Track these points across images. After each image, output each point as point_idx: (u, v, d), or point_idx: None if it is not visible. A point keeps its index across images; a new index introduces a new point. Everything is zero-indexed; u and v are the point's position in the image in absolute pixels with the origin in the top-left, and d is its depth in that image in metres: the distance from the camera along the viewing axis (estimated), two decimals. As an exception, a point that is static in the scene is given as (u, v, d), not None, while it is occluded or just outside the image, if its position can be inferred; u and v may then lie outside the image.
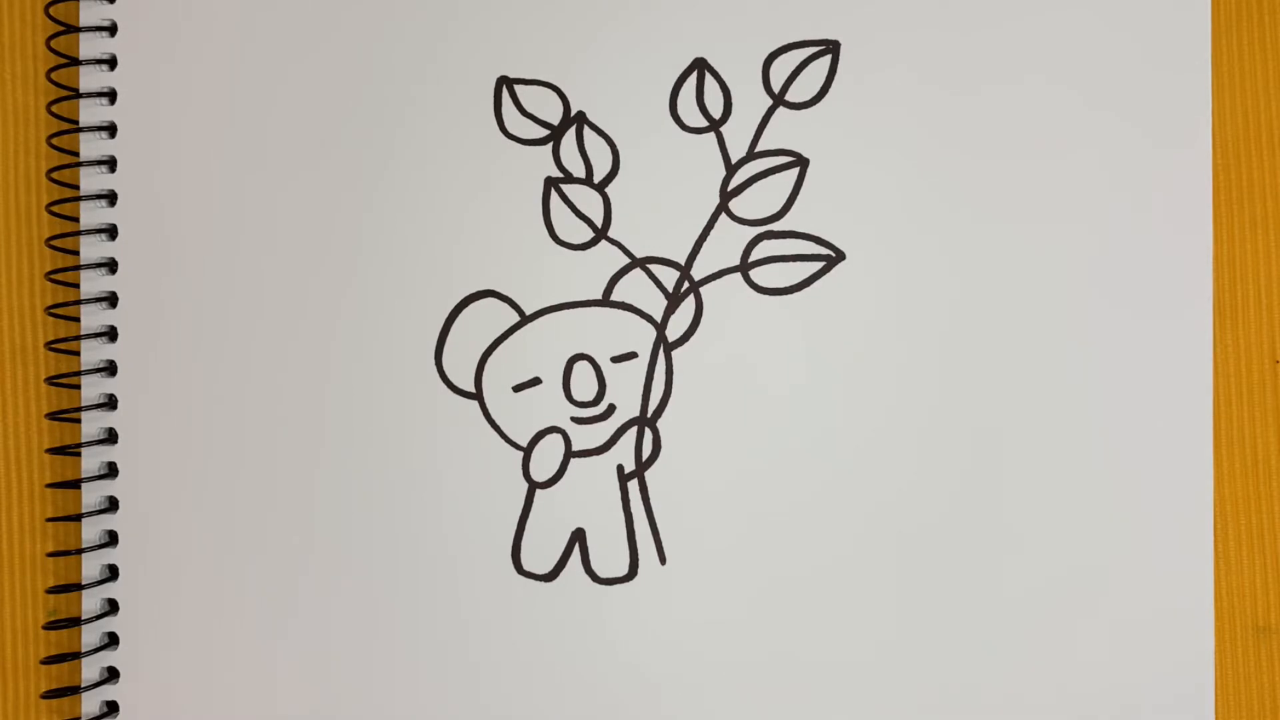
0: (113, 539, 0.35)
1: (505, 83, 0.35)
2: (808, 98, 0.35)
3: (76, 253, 0.35)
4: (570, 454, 0.35)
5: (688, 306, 0.35)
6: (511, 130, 0.35)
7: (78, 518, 0.35)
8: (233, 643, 0.35)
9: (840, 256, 0.35)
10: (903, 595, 0.34)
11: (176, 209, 0.35)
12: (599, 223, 0.35)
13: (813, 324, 0.35)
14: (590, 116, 0.35)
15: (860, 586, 0.34)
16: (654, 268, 0.35)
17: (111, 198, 0.35)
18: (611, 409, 0.35)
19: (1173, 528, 0.34)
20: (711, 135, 0.35)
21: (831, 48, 0.35)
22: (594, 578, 0.35)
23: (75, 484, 0.35)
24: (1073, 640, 0.34)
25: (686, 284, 0.35)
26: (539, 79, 0.35)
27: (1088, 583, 0.34)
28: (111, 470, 0.35)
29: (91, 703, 0.35)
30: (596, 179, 0.35)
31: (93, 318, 0.35)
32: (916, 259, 0.35)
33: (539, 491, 0.35)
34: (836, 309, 0.35)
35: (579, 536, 0.35)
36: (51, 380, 0.36)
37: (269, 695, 0.35)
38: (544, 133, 0.35)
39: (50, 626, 0.35)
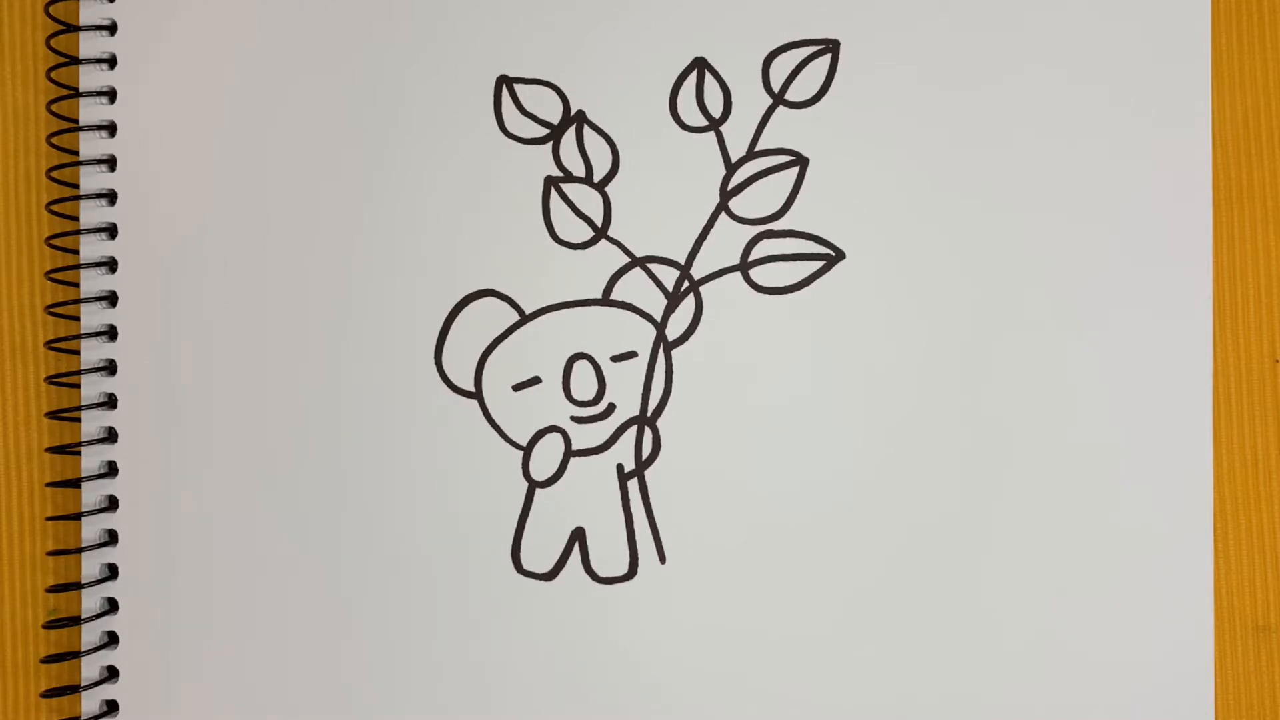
0: (112, 538, 0.35)
1: (505, 82, 0.35)
2: (807, 97, 0.35)
3: (76, 251, 0.35)
4: (570, 453, 0.35)
5: (687, 306, 0.35)
6: (511, 129, 0.35)
7: (77, 516, 0.35)
8: (232, 642, 0.35)
9: (840, 255, 0.35)
10: (902, 593, 0.34)
11: (176, 208, 0.35)
12: (599, 222, 0.35)
13: (812, 323, 0.35)
14: (590, 116, 0.35)
15: (860, 585, 0.34)
16: (654, 267, 0.35)
17: (111, 197, 0.35)
18: (611, 408, 0.35)
19: (1173, 528, 0.34)
20: (711, 134, 0.35)
21: (831, 47, 0.35)
22: (594, 577, 0.35)
23: (75, 483, 0.35)
24: (1073, 640, 0.34)
25: (686, 283, 0.35)
26: (539, 78, 0.35)
27: (1088, 582, 0.34)
28: (111, 469, 0.35)
29: (91, 702, 0.35)
30: (596, 178, 0.35)
31: (93, 317, 0.35)
32: (916, 258, 0.35)
33: (539, 491, 0.35)
34: (836, 308, 0.35)
35: (579, 536, 0.35)
36: (51, 379, 0.36)
37: (269, 695, 0.35)
38: (544, 132, 0.35)
39: (50, 625, 0.35)
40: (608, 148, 0.35)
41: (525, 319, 0.35)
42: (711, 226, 0.35)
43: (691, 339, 0.35)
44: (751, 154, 0.35)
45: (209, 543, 0.35)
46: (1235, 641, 0.35)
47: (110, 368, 0.35)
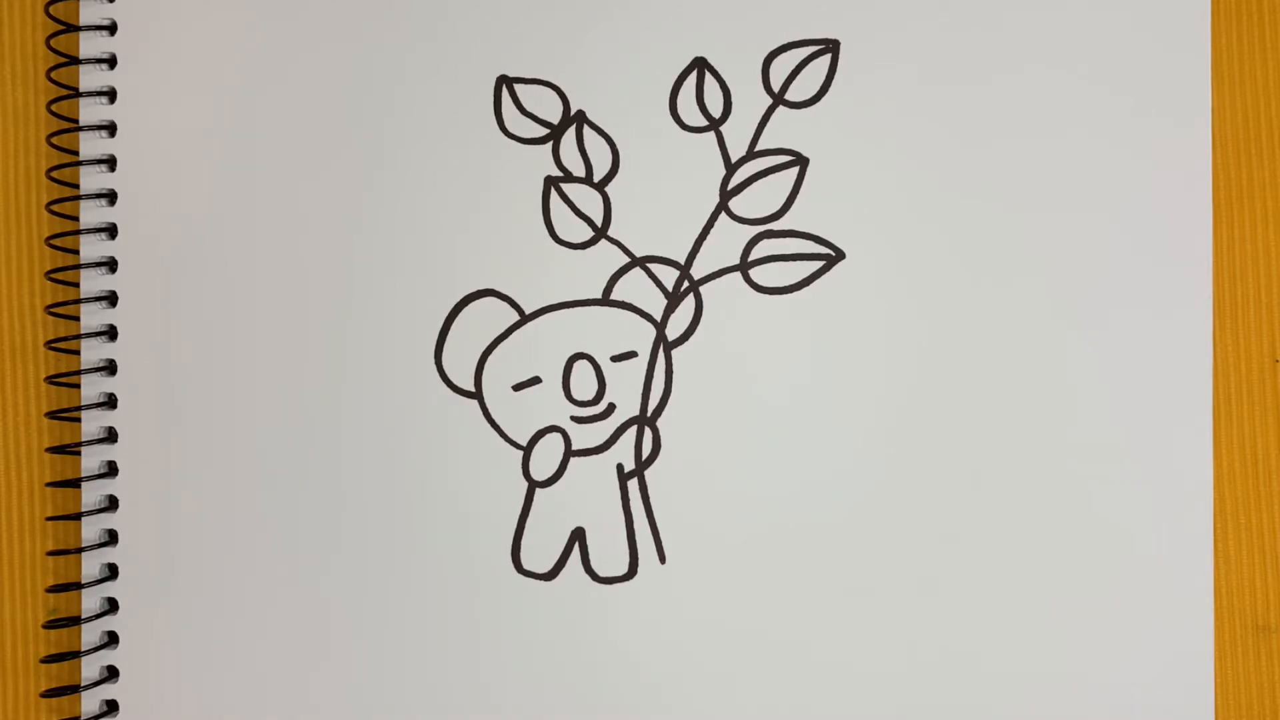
0: (112, 538, 0.35)
1: (505, 82, 0.35)
2: (807, 97, 0.35)
3: (76, 251, 0.35)
4: (570, 453, 0.35)
5: (687, 306, 0.35)
6: (511, 129, 0.35)
7: (77, 516, 0.35)
8: (232, 642, 0.35)
9: (840, 255, 0.35)
10: (902, 593, 0.34)
11: (176, 208, 0.35)
12: (599, 222, 0.35)
13: (812, 323, 0.35)
14: (590, 116, 0.35)
15: (860, 584, 0.34)
16: (654, 267, 0.35)
17: (111, 197, 0.35)
18: (611, 408, 0.35)
19: (1173, 528, 0.34)
20: (711, 134, 0.35)
21: (831, 47, 0.35)
22: (594, 577, 0.35)
23: (75, 483, 0.35)
24: (1072, 639, 0.34)
25: (686, 283, 0.35)
26: (539, 78, 0.35)
27: (1088, 582, 0.34)
28: (111, 469, 0.35)
29: (91, 702, 0.35)
30: (596, 178, 0.35)
31: (93, 317, 0.35)
32: (915, 258, 0.35)
33: (539, 491, 0.35)
34: (836, 308, 0.35)
35: (579, 535, 0.35)
36: (51, 379, 0.36)
37: (268, 695, 0.35)
38: (544, 132, 0.35)
39: (50, 625, 0.35)
40: (608, 148, 0.35)
41: (525, 319, 0.35)
42: (711, 226, 0.35)
43: (691, 339, 0.35)
44: (751, 154, 0.35)
45: (209, 543, 0.35)
46: (1235, 641, 0.35)
47: (110, 368, 0.35)
